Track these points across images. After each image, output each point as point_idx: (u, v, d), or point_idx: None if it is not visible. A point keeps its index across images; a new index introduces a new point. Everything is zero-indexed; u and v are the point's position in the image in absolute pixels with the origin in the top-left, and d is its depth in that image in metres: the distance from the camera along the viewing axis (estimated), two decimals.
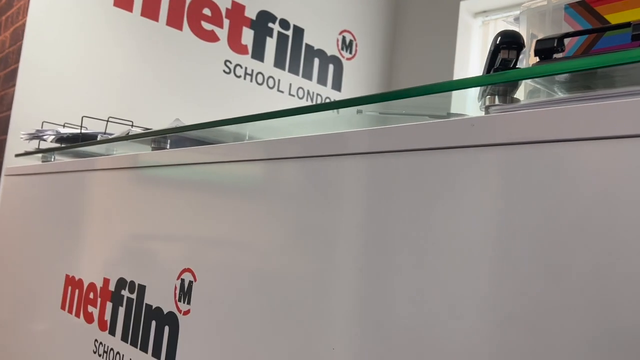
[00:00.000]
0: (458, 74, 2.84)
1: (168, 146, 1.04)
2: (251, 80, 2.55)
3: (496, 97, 0.51)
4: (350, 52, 3.03)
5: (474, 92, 0.57)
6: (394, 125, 0.57)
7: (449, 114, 0.63)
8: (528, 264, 0.42)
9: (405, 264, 0.51)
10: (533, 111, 0.44)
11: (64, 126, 1.58)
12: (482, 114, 0.53)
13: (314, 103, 2.80)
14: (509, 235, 0.44)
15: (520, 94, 0.53)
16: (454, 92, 0.62)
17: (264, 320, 0.68)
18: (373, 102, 0.65)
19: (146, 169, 0.99)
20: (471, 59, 2.96)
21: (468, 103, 0.64)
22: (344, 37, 2.97)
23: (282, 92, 2.75)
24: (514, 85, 0.51)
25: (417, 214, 0.52)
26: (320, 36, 2.84)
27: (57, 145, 1.49)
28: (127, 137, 1.03)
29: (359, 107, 0.68)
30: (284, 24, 2.71)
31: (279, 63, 2.69)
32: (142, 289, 0.94)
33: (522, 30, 0.57)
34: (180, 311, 0.82)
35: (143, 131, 1.05)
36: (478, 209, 0.47)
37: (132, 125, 1.37)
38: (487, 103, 0.51)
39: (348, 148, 0.61)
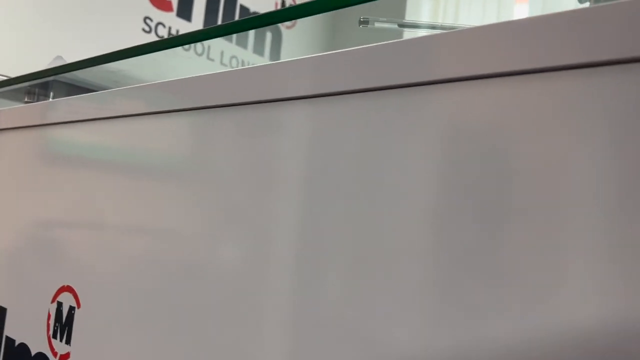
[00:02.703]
0: None
1: (51, 98, 0.72)
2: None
3: None
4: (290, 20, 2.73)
5: None
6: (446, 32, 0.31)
7: None
8: None
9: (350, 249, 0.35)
10: None
11: None
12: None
13: None
14: None
15: None
16: None
17: None
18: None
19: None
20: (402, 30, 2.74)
21: None
22: (283, 1, 2.66)
23: (212, 60, 2.41)
24: None
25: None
26: None
27: None
28: None
29: (364, 17, 0.41)
30: None
31: (209, 25, 2.34)
32: (1, 313, 0.62)
33: None
34: (55, 354, 0.52)
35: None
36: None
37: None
38: None
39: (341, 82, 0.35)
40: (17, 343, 0.60)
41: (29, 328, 0.58)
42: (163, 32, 2.17)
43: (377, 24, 0.41)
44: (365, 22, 0.41)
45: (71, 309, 0.53)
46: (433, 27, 0.37)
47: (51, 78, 0.67)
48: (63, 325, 0.54)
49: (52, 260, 0.59)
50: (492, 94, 0.30)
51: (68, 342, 0.53)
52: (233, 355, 0.39)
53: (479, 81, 0.30)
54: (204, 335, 0.41)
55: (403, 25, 0.40)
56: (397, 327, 0.32)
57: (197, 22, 2.32)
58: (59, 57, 0.67)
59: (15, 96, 0.76)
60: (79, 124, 0.60)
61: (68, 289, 0.54)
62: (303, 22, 2.81)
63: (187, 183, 0.47)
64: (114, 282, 0.50)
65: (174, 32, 2.21)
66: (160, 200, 0.49)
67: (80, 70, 0.68)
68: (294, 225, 0.38)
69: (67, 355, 0.52)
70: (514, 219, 0.28)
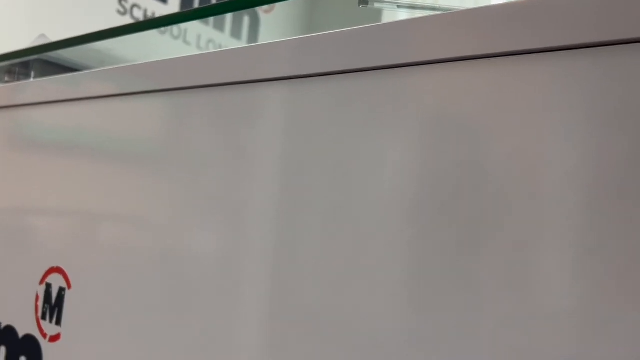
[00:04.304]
0: None
1: (32, 78, 0.70)
2: None
3: None
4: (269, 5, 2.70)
5: None
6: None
7: None
8: None
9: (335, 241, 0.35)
10: None
11: None
12: None
13: None
14: None
15: None
16: None
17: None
18: None
19: None
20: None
21: None
22: None
23: (189, 43, 2.37)
24: None
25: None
26: None
27: None
28: None
29: None
30: None
31: (185, 7, 2.30)
32: None
33: None
34: (44, 335, 0.52)
35: None
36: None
37: None
38: None
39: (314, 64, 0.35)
40: (3, 326, 0.59)
41: (15, 310, 0.57)
42: (138, 14, 2.13)
43: (376, 5, 0.41)
44: (364, 2, 0.41)
45: (61, 289, 0.52)
46: (433, 9, 0.37)
47: (32, 57, 0.65)
48: (53, 307, 0.53)
49: (38, 243, 0.58)
50: (472, 76, 0.30)
51: (58, 323, 0.52)
52: (222, 335, 0.40)
53: (459, 63, 0.31)
54: (194, 316, 0.41)
55: (402, 6, 0.40)
56: (376, 314, 0.32)
57: (173, 4, 2.27)
58: (43, 36, 0.65)
59: None
60: (52, 105, 0.59)
61: (58, 270, 0.53)
62: (281, 7, 2.78)
63: (163, 164, 0.46)
64: (104, 263, 0.50)
65: (149, 14, 2.16)
66: (140, 181, 0.48)
67: (63, 50, 0.67)
68: (273, 207, 0.38)
69: (58, 336, 0.52)
70: (496, 206, 0.28)
